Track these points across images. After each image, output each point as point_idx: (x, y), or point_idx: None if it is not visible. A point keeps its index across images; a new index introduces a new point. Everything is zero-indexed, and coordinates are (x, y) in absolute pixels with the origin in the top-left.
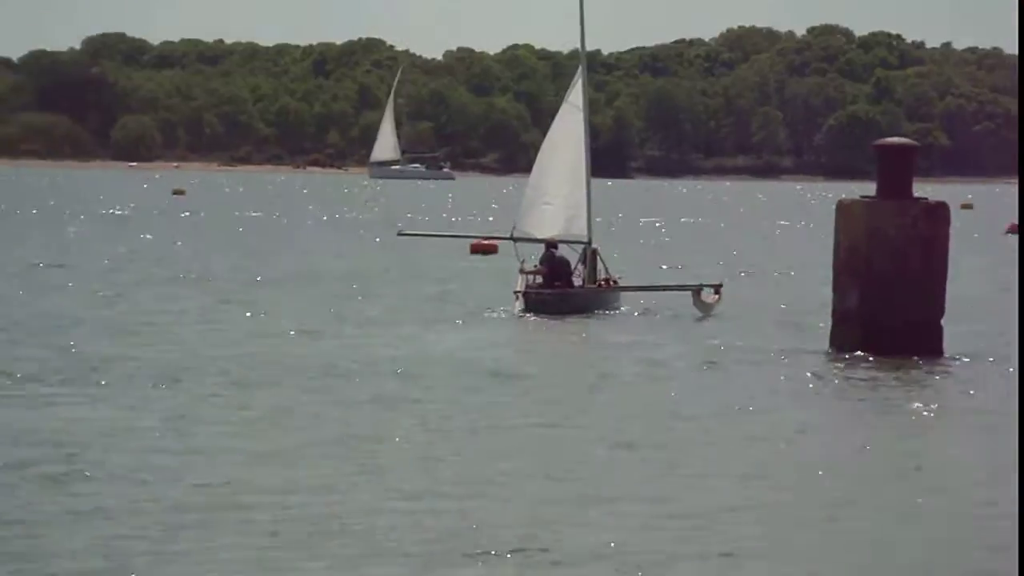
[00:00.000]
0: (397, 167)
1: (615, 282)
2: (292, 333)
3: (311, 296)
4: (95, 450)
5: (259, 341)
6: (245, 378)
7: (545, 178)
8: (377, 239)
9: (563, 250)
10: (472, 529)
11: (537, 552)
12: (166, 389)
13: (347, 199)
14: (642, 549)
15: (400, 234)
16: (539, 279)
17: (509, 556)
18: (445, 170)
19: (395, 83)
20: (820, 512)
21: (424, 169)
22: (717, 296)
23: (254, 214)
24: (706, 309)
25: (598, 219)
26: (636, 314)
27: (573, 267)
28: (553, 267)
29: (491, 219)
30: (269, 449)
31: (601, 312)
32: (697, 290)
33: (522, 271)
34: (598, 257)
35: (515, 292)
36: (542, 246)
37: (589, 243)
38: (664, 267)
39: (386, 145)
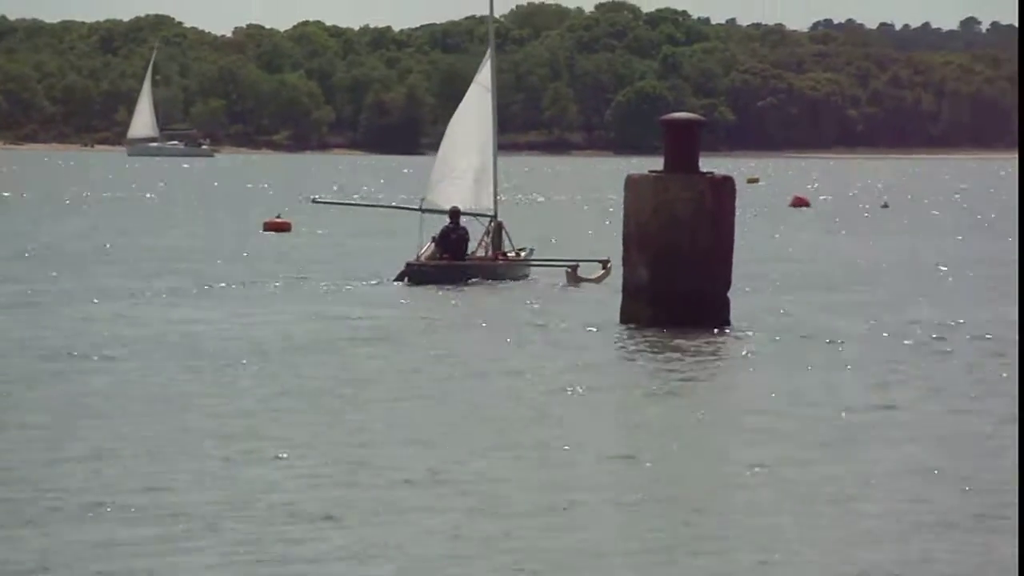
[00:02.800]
0: (155, 144)
1: (517, 255)
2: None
3: (120, 274)
4: None
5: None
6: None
7: (453, 153)
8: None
9: (470, 222)
10: None
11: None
12: None
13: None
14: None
15: (314, 201)
16: (431, 251)
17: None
18: (204, 147)
19: (151, 60)
20: (572, 477)
21: (183, 147)
22: (604, 272)
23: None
24: (584, 283)
25: (502, 196)
26: (508, 286)
27: (478, 240)
28: (446, 241)
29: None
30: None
31: (486, 283)
32: (574, 267)
33: (432, 239)
34: (503, 231)
35: (406, 262)
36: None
37: (495, 216)
38: (550, 241)
39: (144, 122)
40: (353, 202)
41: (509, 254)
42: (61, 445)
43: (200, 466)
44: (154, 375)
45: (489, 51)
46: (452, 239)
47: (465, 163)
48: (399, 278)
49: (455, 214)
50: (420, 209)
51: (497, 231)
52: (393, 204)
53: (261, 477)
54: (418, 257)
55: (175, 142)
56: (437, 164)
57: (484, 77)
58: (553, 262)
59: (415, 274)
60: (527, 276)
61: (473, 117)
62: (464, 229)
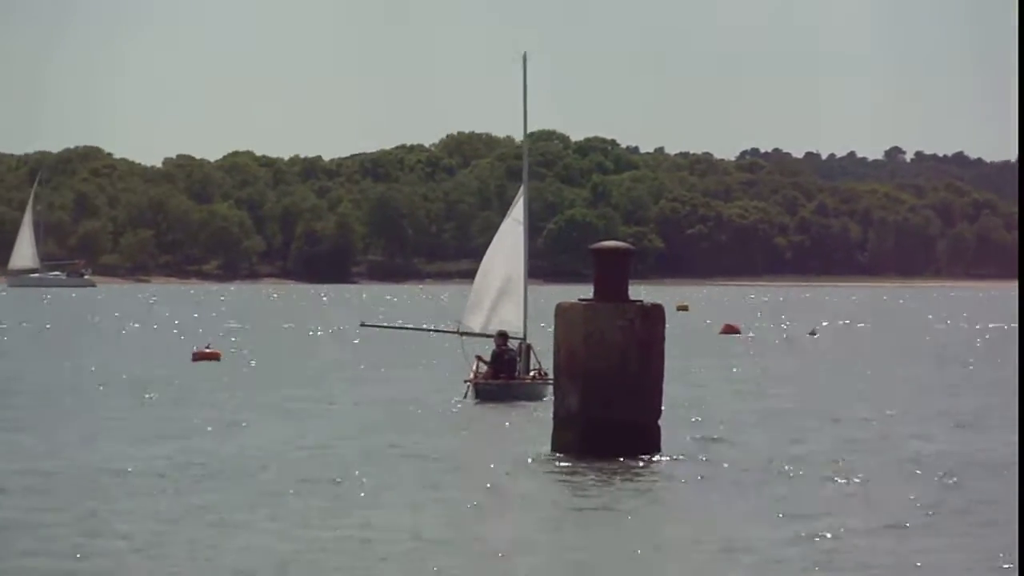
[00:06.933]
0: (36, 275)
1: (545, 374)
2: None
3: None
4: None
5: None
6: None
7: (488, 282)
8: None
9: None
10: None
11: None
12: None
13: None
14: None
15: (363, 325)
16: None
17: None
18: (86, 277)
19: (33, 191)
20: None
21: (64, 277)
22: None
23: None
24: None
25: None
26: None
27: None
28: (499, 362)
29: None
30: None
31: (535, 400)
32: None
33: (478, 358)
34: (532, 352)
35: (464, 381)
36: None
37: (524, 339)
38: None
39: (24, 253)
40: (398, 326)
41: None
42: None
43: None
44: None
45: (522, 188)
46: (505, 360)
47: (497, 291)
48: (467, 394)
49: (503, 337)
50: (459, 332)
51: (527, 352)
52: (433, 328)
53: None
54: (475, 376)
55: (57, 273)
56: (473, 291)
57: (517, 212)
58: None
59: (481, 392)
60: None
61: (506, 248)
62: (514, 351)
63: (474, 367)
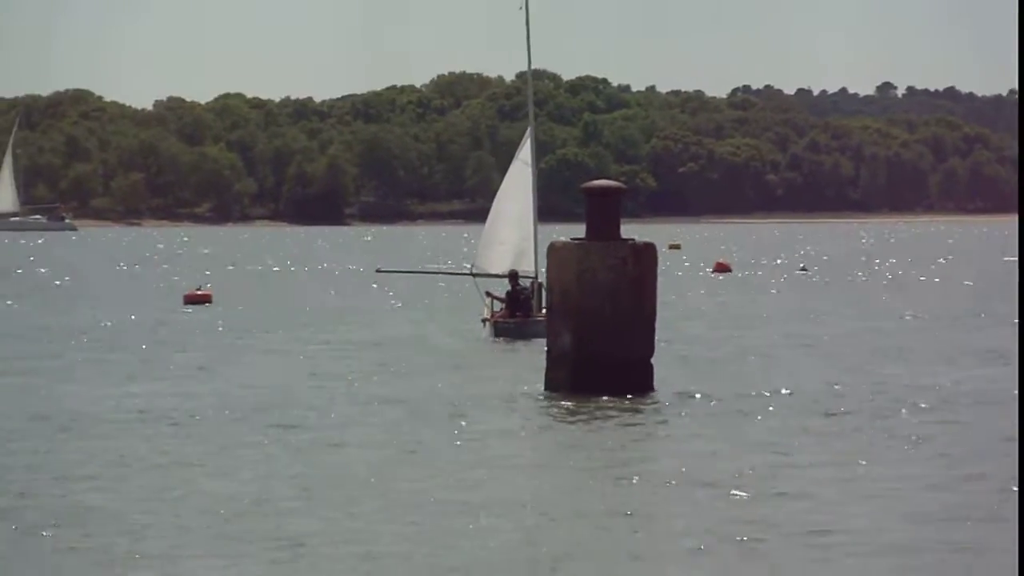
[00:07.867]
0: (17, 219)
1: None
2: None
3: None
4: None
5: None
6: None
7: (499, 223)
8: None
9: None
10: None
11: None
12: None
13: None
14: None
15: (379, 271)
16: (502, 307)
17: None
18: (67, 221)
19: (12, 135)
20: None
21: (45, 220)
22: None
23: None
24: None
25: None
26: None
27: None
28: (515, 302)
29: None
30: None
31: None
32: None
33: (488, 294)
34: (543, 289)
35: (483, 320)
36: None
37: (536, 278)
38: None
39: (4, 197)
40: (414, 270)
41: None
42: None
43: None
44: None
45: (529, 130)
46: (521, 300)
47: (508, 232)
48: (485, 332)
49: (514, 276)
50: (472, 273)
51: (538, 290)
52: (448, 271)
53: None
54: (492, 315)
55: (37, 216)
56: (484, 233)
57: (525, 154)
58: None
59: (500, 329)
60: None
61: (515, 190)
62: (528, 290)
63: (488, 303)
